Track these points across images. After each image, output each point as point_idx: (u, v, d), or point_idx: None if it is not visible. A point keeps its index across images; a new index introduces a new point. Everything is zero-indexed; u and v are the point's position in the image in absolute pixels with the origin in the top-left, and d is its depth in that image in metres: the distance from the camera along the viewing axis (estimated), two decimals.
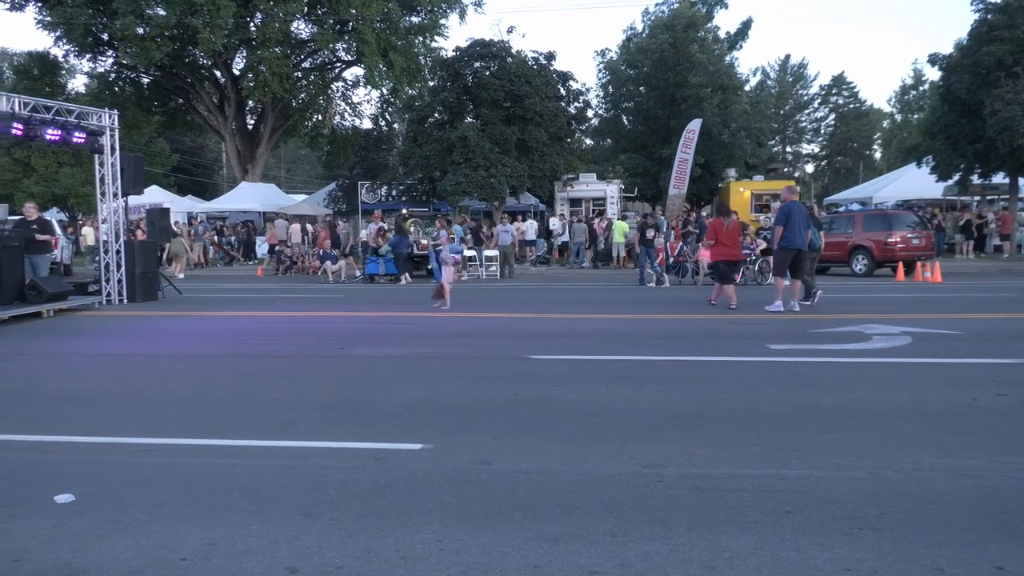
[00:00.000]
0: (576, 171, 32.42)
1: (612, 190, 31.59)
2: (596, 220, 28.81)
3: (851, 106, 74.54)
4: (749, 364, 8.10)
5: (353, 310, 14.46)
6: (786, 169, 66.99)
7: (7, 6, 32.19)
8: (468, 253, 23.76)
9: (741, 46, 46.98)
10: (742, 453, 4.99)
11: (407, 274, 21.87)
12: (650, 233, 19.72)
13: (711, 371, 7.80)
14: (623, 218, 28.11)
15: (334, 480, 4.59)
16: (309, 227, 29.92)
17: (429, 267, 22.94)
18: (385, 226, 24.58)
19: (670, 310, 13.57)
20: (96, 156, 15.99)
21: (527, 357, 8.59)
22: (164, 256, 27.06)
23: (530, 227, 29.49)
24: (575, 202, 31.72)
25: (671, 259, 21.13)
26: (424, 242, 23.62)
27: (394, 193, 32.45)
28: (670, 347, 9.20)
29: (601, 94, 44.50)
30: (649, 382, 7.23)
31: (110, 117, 16.13)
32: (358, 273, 23.22)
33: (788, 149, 76.29)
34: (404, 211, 29.64)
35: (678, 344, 9.46)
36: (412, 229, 25.08)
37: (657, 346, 9.36)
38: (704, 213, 30.40)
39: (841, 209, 29.48)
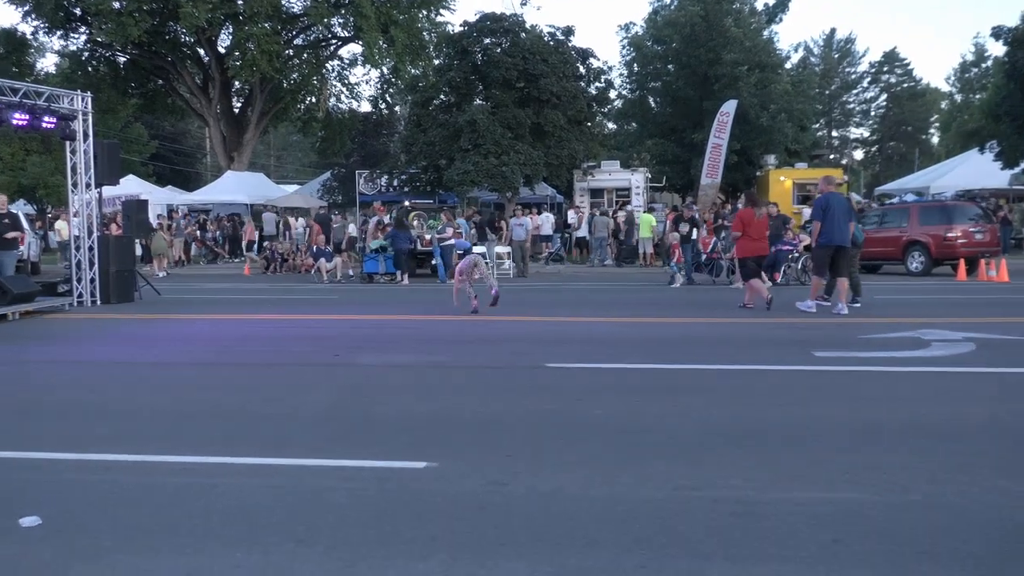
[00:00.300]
0: (597, 158, 32.39)
1: (638, 179, 31.54)
2: (623, 211, 28.79)
3: (905, 85, 74.22)
4: (794, 374, 8.09)
5: (351, 313, 14.51)
6: (832, 156, 66.73)
7: None
8: (477, 249, 23.73)
9: (781, 19, 46.71)
10: (787, 475, 4.95)
11: (406, 273, 21.88)
12: (684, 228, 19.66)
13: (752, 382, 7.78)
14: (650, 210, 28.04)
15: (331, 502, 4.58)
16: (294, 221, 29.95)
17: (433, 263, 22.96)
18: (385, 219, 24.59)
19: (704, 313, 13.59)
20: (67, 143, 16.08)
21: (545, 366, 8.61)
22: (145, 253, 27.24)
23: (546, 220, 29.49)
24: (596, 193, 31.69)
25: (703, 256, 21.09)
26: (428, 237, 23.65)
27: (395, 183, 32.51)
28: (706, 355, 9.22)
29: (625, 73, 44.46)
30: (683, 394, 7.21)
31: (83, 100, 16.22)
32: (351, 272, 23.27)
33: (834, 134, 76.03)
34: (407, 203, 29.68)
35: (715, 351, 9.47)
36: (415, 223, 25.11)
37: (691, 354, 9.39)
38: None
39: (894, 200, 29.25)
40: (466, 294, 13.71)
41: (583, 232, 29.33)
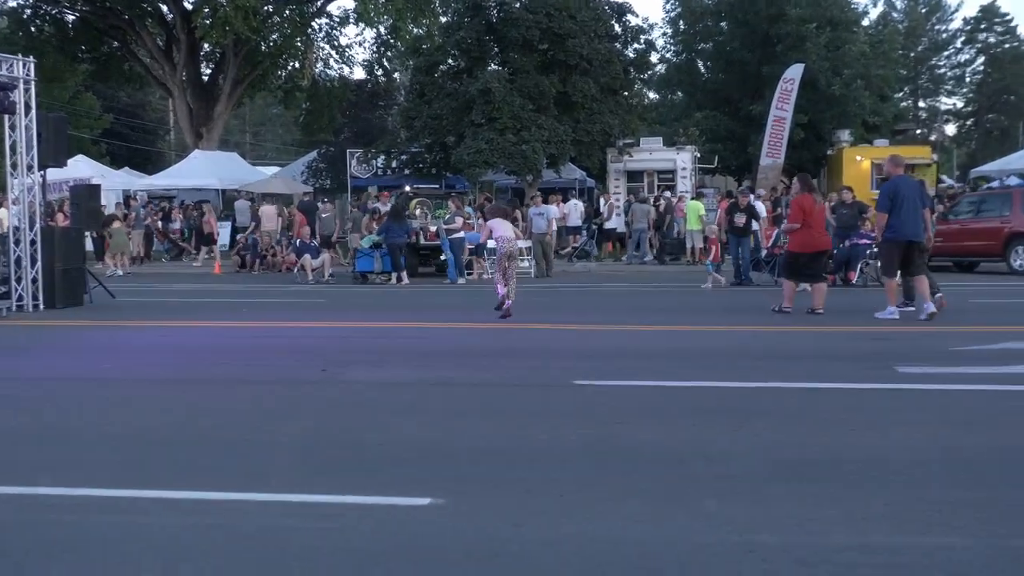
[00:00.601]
0: (636, 135, 32.34)
1: (684, 159, 31.50)
2: (662, 198, 28.71)
3: (1006, 46, 73.56)
4: (873, 393, 8.07)
5: (341, 319, 14.58)
6: (919, 131, 66.30)
7: None
8: (490, 244, 23.74)
9: None
10: (866, 515, 4.91)
11: (404, 272, 21.87)
12: (739, 219, 19.58)
13: (824, 402, 7.77)
14: (699, 196, 27.97)
15: (306, 546, 4.55)
16: (272, 209, 29.98)
17: (443, 259, 22.95)
18: (382, 207, 24.64)
19: (763, 320, 13.59)
20: (6, 117, 16.18)
21: (574, 383, 8.60)
22: (97, 247, 27.39)
23: (574, 209, 29.41)
24: (634, 176, 31.66)
25: (764, 251, 21.01)
26: (433, 229, 23.66)
27: (394, 165, 32.63)
28: (767, 371, 9.21)
29: (669, 32, 44.49)
30: (742, 418, 7.19)
31: (24, 66, 16.33)
32: (332, 272, 23.28)
33: (921, 104, 75.59)
34: (407, 188, 29.75)
35: (778, 366, 9.50)
36: (418, 212, 25.14)
37: (751, 369, 9.37)
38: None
39: (993, 184, 29.07)
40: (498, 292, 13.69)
41: (613, 223, 29.21)
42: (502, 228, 13.87)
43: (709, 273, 19.45)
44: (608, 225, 29.42)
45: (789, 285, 14.20)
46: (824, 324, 12.92)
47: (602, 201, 30.64)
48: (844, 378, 8.69)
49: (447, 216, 23.61)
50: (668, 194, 29.86)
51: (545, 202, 25.67)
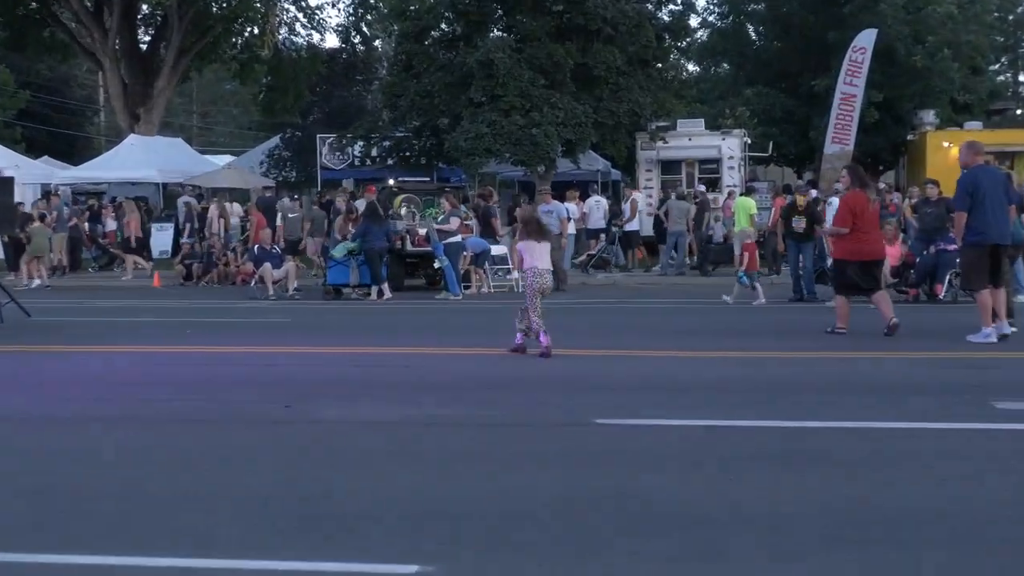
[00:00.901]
0: (672, 116, 32.28)
1: (732, 146, 31.39)
2: (696, 193, 28.57)
3: None
4: (961, 434, 8.07)
5: (309, 343, 14.54)
6: (1020, 111, 66.19)
7: None
8: (497, 251, 23.74)
9: None
10: None
11: (385, 284, 21.75)
12: (798, 224, 19.50)
13: (899, 446, 7.74)
14: (749, 192, 27.90)
15: None
16: (233, 208, 30.01)
17: (436, 266, 22.71)
18: (361, 205, 24.48)
19: (825, 344, 13.53)
20: None
21: (591, 422, 8.61)
22: (7, 254, 27.35)
23: (596, 207, 29.28)
24: (670, 166, 31.57)
25: (829, 260, 20.95)
26: (422, 232, 23.56)
27: (375, 153, 32.58)
28: (829, 406, 9.19)
29: None
30: (795, 464, 7.19)
31: None
32: (298, 285, 23.24)
33: (1022, 79, 75.49)
34: (391, 182, 29.71)
35: (842, 401, 9.45)
36: (404, 211, 25.07)
37: (807, 404, 9.35)
38: (882, 185, 30.11)
39: None
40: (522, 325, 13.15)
41: (635, 224, 28.90)
42: (538, 255, 13.04)
43: (744, 285, 19.42)
44: (630, 227, 28.99)
45: (841, 302, 14.21)
46: (901, 349, 12.89)
47: (636, 195, 30.33)
48: (926, 416, 8.68)
49: (440, 217, 23.51)
50: (702, 188, 29.77)
51: (561, 199, 25.59)
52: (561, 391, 10.27)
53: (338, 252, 22.61)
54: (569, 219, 25.44)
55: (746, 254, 19.75)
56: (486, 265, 23.01)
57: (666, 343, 13.96)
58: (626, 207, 29.41)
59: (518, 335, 12.92)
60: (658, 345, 13.73)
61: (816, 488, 6.60)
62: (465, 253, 22.65)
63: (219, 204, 29.78)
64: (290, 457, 7.68)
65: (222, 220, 28.82)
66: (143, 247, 30.19)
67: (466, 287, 22.80)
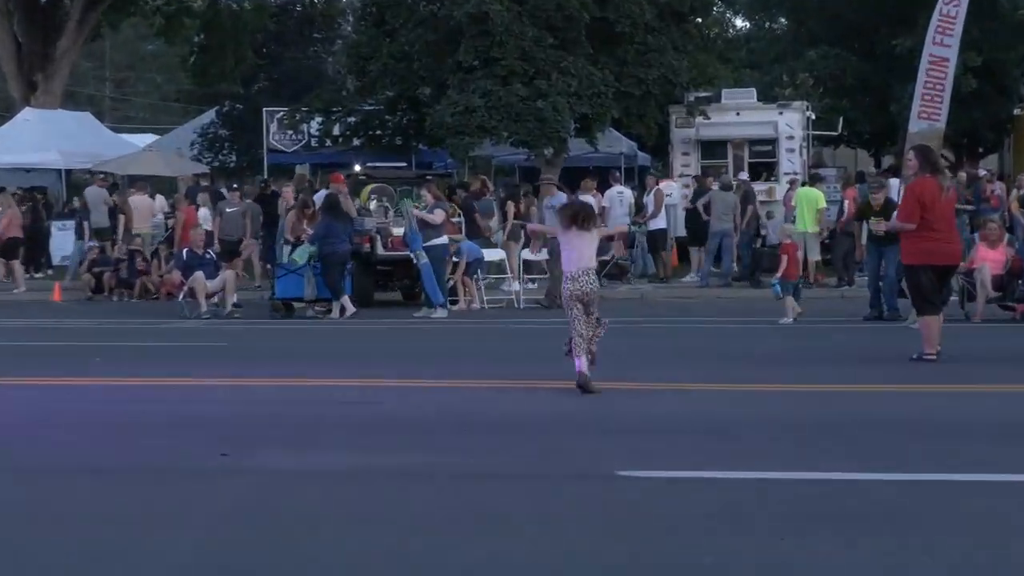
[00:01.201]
0: (715, 84, 32.17)
1: (791, 123, 31.34)
2: (738, 181, 28.44)
3: None
4: None
5: (252, 373, 14.54)
6: None
7: None
8: (491, 256, 23.60)
9: None
10: None
11: (346, 297, 21.55)
12: (877, 224, 19.39)
13: (1013, 504, 7.64)
14: (814, 180, 27.78)
15: None
16: (139, 200, 29.83)
17: (418, 266, 22.35)
18: (318, 199, 24.29)
19: (905, 375, 13.52)
20: None
21: (613, 474, 8.48)
22: None
23: (617, 200, 29.07)
24: (713, 148, 31.47)
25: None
26: (397, 233, 23.32)
27: (337, 132, 32.55)
28: (916, 453, 9.14)
29: None
30: (871, 527, 7.07)
31: None
32: (237, 300, 23.11)
33: None
34: (357, 168, 29.52)
35: (932, 447, 9.39)
36: (374, 206, 24.82)
37: (892, 448, 9.31)
38: (982, 172, 30.03)
39: None
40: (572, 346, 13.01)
41: (661, 222, 28.69)
42: (575, 250, 12.96)
43: (777, 297, 19.39)
44: (655, 224, 28.77)
45: (928, 321, 14.16)
46: (1007, 382, 12.79)
47: (668, 184, 30.06)
48: None
49: (423, 207, 22.91)
50: (744, 175, 29.59)
51: (575, 189, 25.47)
52: (572, 434, 10.25)
53: (299, 256, 22.20)
54: None
55: (784, 257, 19.62)
56: (478, 274, 22.86)
57: (708, 373, 14.01)
58: (648, 200, 29.17)
59: (578, 360, 12.64)
60: (698, 376, 13.79)
61: (897, 554, 6.46)
62: (457, 260, 22.47)
63: (140, 196, 29.65)
64: (221, 520, 7.54)
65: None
66: (42, 251, 30.03)
67: (453, 302, 22.60)
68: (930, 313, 14.11)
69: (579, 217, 13.00)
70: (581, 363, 12.32)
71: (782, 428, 10.42)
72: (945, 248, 14.09)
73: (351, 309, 21.66)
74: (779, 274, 19.79)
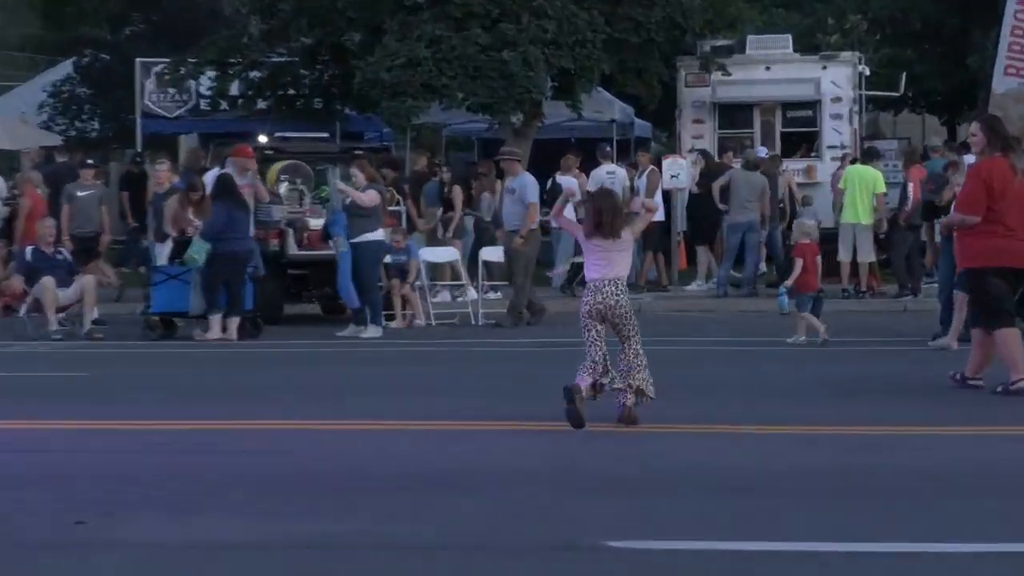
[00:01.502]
0: (737, 29, 32.16)
1: (839, 80, 31.32)
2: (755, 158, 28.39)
3: None
4: None
5: (119, 414, 14.54)
6: None
7: None
8: (442, 256, 23.44)
9: None
10: None
11: (237, 309, 21.28)
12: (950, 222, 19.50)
13: None
14: (868, 156, 27.65)
15: None
16: None
17: (336, 282, 22.19)
18: (210, 183, 23.81)
19: (962, 414, 13.77)
20: None
21: (599, 545, 8.24)
22: None
23: (609, 184, 28.84)
24: (734, 114, 31.41)
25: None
26: (316, 226, 23.05)
27: (235, 91, 32.48)
28: (998, 512, 9.04)
29: None
30: None
31: None
32: (98, 316, 22.81)
33: None
34: (263, 138, 29.23)
35: (1010, 505, 9.30)
36: (284, 189, 24.50)
37: (958, 510, 9.22)
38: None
39: None
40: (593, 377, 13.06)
41: (660, 213, 28.60)
42: (607, 255, 13.11)
43: (783, 311, 19.32)
44: (658, 216, 28.78)
45: (1008, 338, 14.23)
46: None
47: (674, 160, 29.94)
48: None
49: (345, 197, 22.56)
50: (763, 151, 29.48)
51: (544, 171, 25.24)
52: (551, 491, 10.10)
53: (197, 254, 21.80)
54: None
55: (798, 261, 19.47)
56: (422, 281, 22.58)
57: (722, 411, 14.13)
58: (640, 183, 28.95)
59: (621, 394, 12.89)
60: (709, 415, 13.82)
61: None
62: (398, 265, 22.20)
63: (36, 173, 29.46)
64: None
65: None
66: None
67: (390, 317, 22.34)
68: (1007, 325, 14.02)
69: (602, 224, 12.95)
70: (586, 380, 12.46)
71: (808, 483, 10.46)
72: (1017, 247, 14.03)
73: (233, 334, 21.28)
74: (790, 282, 19.65)
